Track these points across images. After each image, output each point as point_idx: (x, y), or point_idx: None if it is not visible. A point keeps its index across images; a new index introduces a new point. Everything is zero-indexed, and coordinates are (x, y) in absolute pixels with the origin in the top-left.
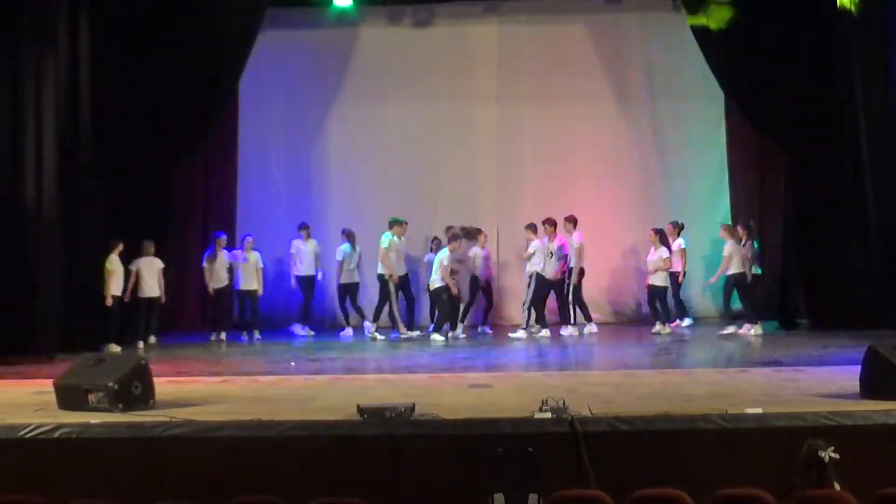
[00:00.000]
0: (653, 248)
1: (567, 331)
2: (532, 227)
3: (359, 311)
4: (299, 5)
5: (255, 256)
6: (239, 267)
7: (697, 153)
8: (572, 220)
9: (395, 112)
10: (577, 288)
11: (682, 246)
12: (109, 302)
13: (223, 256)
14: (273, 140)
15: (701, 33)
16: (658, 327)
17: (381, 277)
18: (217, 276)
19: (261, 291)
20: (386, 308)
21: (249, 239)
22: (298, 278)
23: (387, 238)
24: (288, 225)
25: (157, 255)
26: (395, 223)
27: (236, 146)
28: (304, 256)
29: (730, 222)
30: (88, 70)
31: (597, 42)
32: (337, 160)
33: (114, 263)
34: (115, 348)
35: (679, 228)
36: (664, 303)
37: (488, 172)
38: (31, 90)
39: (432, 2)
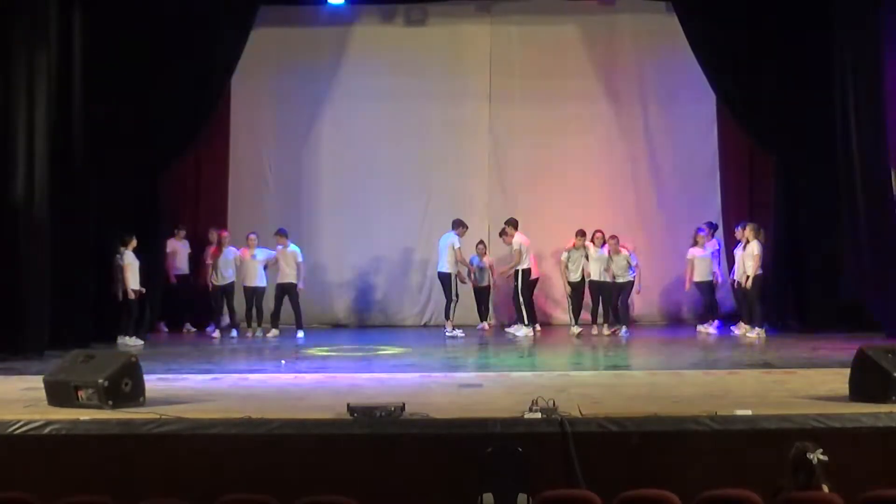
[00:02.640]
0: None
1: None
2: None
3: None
4: (292, 3)
5: (262, 253)
6: (245, 264)
7: (688, 154)
8: (512, 224)
9: (387, 111)
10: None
11: (717, 248)
12: (132, 295)
13: (227, 253)
14: (265, 137)
15: (693, 36)
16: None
17: (448, 276)
18: (222, 274)
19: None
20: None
21: (252, 236)
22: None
23: (456, 238)
24: (279, 222)
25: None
26: (461, 224)
27: (228, 143)
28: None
29: (720, 224)
30: (80, 67)
31: (589, 43)
32: (328, 158)
33: (128, 258)
34: (134, 342)
35: (713, 230)
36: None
37: (480, 172)
38: (22, 87)
39: (425, 1)
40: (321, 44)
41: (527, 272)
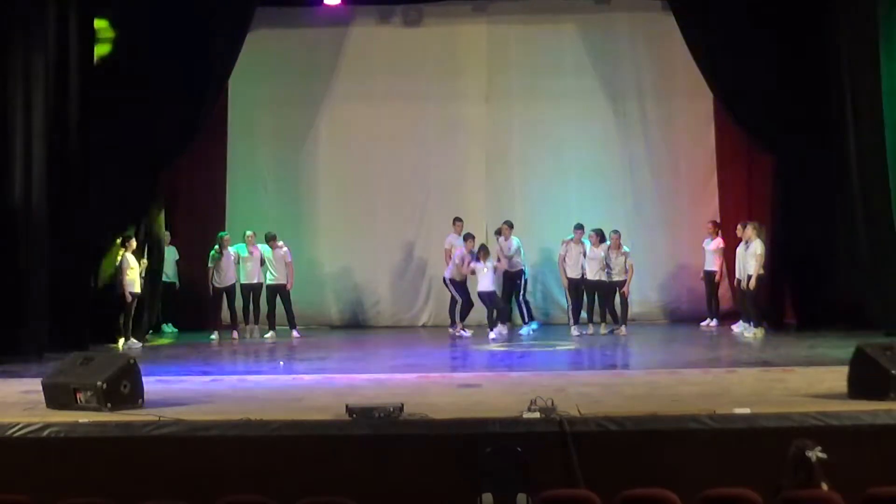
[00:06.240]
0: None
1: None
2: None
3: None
4: (289, 4)
5: (258, 251)
6: (244, 262)
7: (686, 152)
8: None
9: (384, 111)
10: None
11: (720, 245)
12: (129, 298)
13: (229, 254)
14: (262, 138)
15: (690, 33)
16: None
17: (448, 281)
18: (226, 275)
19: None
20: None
21: (250, 234)
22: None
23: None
24: (277, 224)
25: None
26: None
27: (225, 144)
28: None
29: (718, 221)
30: (77, 69)
31: (586, 42)
32: (326, 159)
33: (129, 261)
34: (136, 344)
35: (718, 228)
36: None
37: (477, 172)
38: (20, 88)
39: (422, 1)
40: (318, 45)
41: (523, 273)
